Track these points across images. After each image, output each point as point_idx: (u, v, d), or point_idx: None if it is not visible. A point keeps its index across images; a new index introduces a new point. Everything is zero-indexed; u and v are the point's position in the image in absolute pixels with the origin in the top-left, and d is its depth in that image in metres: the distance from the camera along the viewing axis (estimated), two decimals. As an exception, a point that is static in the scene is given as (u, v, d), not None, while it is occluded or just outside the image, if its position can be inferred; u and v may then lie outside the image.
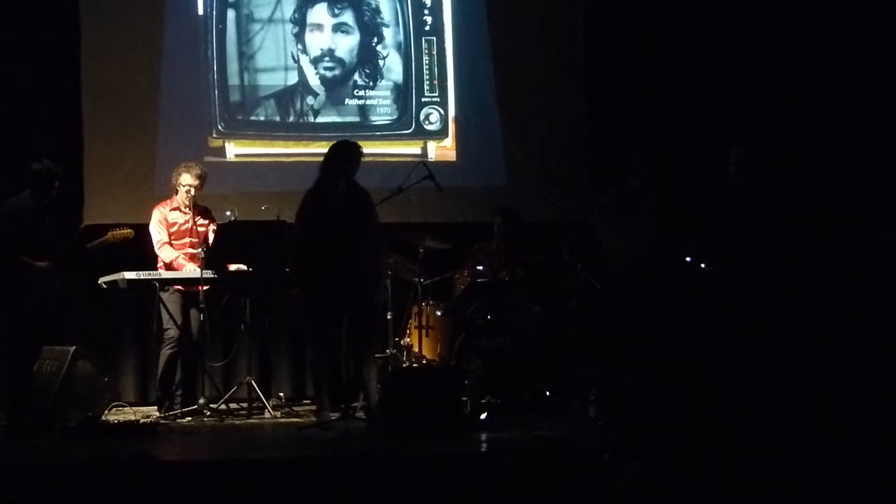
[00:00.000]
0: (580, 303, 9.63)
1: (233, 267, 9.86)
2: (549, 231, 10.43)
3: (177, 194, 10.00)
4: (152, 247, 10.04)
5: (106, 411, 9.79)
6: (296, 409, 10.23)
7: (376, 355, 9.44)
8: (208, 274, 9.71)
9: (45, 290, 9.10)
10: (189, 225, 9.99)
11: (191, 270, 9.86)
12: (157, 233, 9.98)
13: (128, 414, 9.88)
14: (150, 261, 10.05)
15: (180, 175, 9.88)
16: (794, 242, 8.80)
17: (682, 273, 9.04)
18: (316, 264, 8.84)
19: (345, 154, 9.10)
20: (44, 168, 9.09)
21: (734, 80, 11.24)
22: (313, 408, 9.68)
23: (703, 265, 9.05)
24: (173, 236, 10.02)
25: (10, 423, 9.03)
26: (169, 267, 9.96)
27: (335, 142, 9.36)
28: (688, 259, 9.09)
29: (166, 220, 9.99)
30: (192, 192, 9.88)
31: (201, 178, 9.91)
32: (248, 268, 9.80)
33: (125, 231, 9.47)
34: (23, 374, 9.13)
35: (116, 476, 6.57)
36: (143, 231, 9.98)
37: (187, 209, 9.94)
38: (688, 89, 11.27)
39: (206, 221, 10.06)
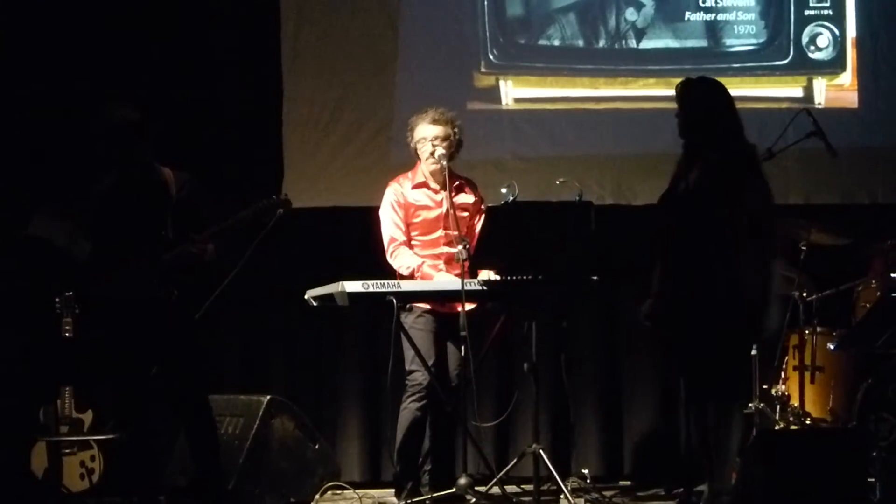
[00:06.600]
0: None
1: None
2: None
3: (421, 162, 8.54)
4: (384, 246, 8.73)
5: (318, 496, 8.60)
6: (608, 493, 8.75)
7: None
8: (474, 285, 8.17)
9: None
10: (444, 209, 8.38)
11: (446, 281, 8.36)
12: (390, 225, 8.51)
13: (351, 501, 8.81)
14: (383, 263, 8.47)
15: (414, 128, 8.46)
16: None
17: None
18: (672, 272, 7.46)
19: (717, 95, 7.52)
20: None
21: None
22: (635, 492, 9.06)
23: None
24: (418, 228, 8.47)
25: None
26: (409, 279, 8.46)
27: (693, 78, 7.71)
28: None
29: (405, 204, 8.48)
30: (441, 154, 8.26)
31: (447, 123, 8.33)
32: (535, 275, 8.16)
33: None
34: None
35: None
36: (373, 217, 8.62)
37: (439, 185, 8.40)
38: None
39: (472, 201, 8.48)
